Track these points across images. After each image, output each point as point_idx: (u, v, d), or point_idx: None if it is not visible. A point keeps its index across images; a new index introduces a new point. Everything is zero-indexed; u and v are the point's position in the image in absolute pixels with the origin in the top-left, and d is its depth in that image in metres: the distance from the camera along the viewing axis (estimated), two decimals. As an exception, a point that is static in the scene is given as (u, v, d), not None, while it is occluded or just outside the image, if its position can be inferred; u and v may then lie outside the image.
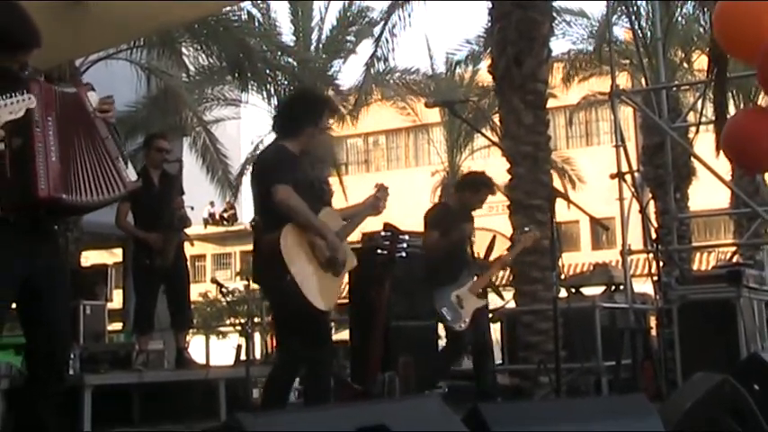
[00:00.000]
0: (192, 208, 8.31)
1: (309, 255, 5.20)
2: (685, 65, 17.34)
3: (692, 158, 13.07)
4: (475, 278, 7.46)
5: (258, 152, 14.37)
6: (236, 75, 14.95)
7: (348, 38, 17.72)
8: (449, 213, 7.64)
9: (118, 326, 14.20)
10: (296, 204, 5.16)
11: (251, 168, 5.74)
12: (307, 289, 5.09)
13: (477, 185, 7.78)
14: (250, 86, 16.07)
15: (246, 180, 20.17)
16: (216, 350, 15.92)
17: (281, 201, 5.13)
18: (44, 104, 4.00)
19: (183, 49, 14.92)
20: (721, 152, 8.54)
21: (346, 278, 8.33)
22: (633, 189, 9.38)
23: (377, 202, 5.77)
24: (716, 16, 6.58)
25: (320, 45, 17.45)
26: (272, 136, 5.85)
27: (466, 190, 7.76)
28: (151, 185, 7.79)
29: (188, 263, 8.13)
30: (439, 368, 7.59)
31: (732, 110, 14.55)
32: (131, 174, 4.27)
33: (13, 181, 3.88)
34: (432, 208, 7.90)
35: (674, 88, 14.85)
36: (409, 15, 15.64)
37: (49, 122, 3.99)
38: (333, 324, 16.72)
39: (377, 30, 16.30)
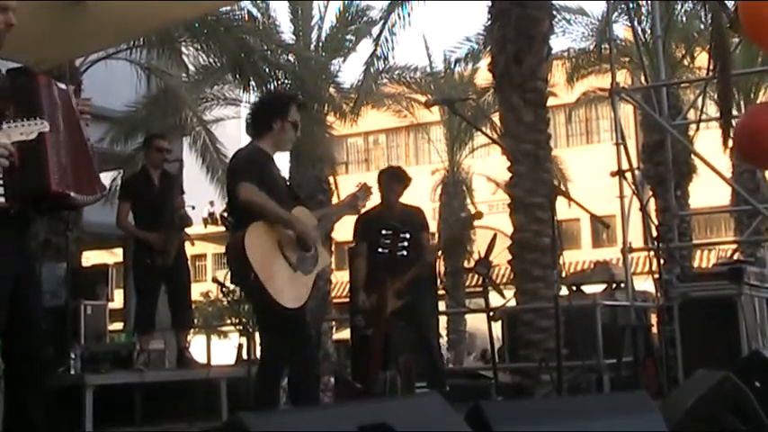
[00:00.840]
0: (194, 207, 8.31)
1: (276, 253, 5.16)
2: (685, 62, 17.34)
3: (693, 156, 13.07)
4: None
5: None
6: (237, 74, 14.92)
7: (348, 36, 17.71)
8: (372, 223, 7.26)
9: (119, 326, 14.23)
10: (260, 200, 5.17)
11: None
12: (272, 287, 5.05)
13: (403, 178, 7.57)
14: (250, 86, 16.08)
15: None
16: (217, 350, 15.93)
17: (245, 199, 5.15)
18: (52, 99, 4.00)
19: (183, 49, 14.91)
20: (722, 149, 8.56)
21: (347, 277, 8.36)
22: (633, 187, 9.37)
23: (355, 201, 5.75)
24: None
25: (320, 44, 17.44)
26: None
27: (394, 182, 7.48)
28: (151, 185, 7.80)
29: (189, 262, 8.14)
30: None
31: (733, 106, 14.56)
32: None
33: (23, 172, 3.86)
34: (358, 218, 7.40)
35: (675, 86, 14.85)
36: (408, 15, 15.61)
37: (58, 117, 3.99)
38: (333, 323, 16.87)
39: (376, 29, 16.29)
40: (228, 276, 5.63)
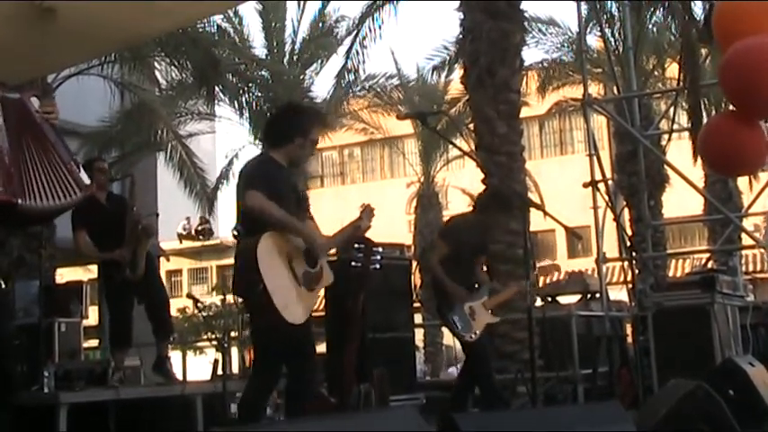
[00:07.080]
0: (158, 215, 8.26)
1: (285, 265, 5.10)
2: (657, 73, 17.45)
3: (665, 166, 13.16)
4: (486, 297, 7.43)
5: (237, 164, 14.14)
6: (206, 88, 14.90)
7: (321, 51, 17.77)
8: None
9: (94, 343, 14.10)
10: (267, 207, 5.06)
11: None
12: (278, 300, 4.97)
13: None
14: (222, 99, 16.10)
15: (222, 195, 20.15)
16: (193, 365, 15.85)
17: (253, 206, 5.05)
18: None
19: (156, 64, 14.87)
20: (693, 161, 8.58)
21: (322, 291, 8.36)
22: (607, 197, 9.41)
23: (359, 224, 5.67)
24: (717, 16, 6.66)
25: (293, 57, 17.48)
26: (248, 150, 5.80)
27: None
28: (101, 208, 7.75)
29: (160, 272, 8.09)
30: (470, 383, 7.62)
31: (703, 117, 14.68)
32: (85, 177, 4.24)
33: None
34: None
35: (646, 96, 14.95)
36: (380, 27, 15.73)
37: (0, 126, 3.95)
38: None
39: (347, 41, 16.43)
40: (232, 286, 5.52)
